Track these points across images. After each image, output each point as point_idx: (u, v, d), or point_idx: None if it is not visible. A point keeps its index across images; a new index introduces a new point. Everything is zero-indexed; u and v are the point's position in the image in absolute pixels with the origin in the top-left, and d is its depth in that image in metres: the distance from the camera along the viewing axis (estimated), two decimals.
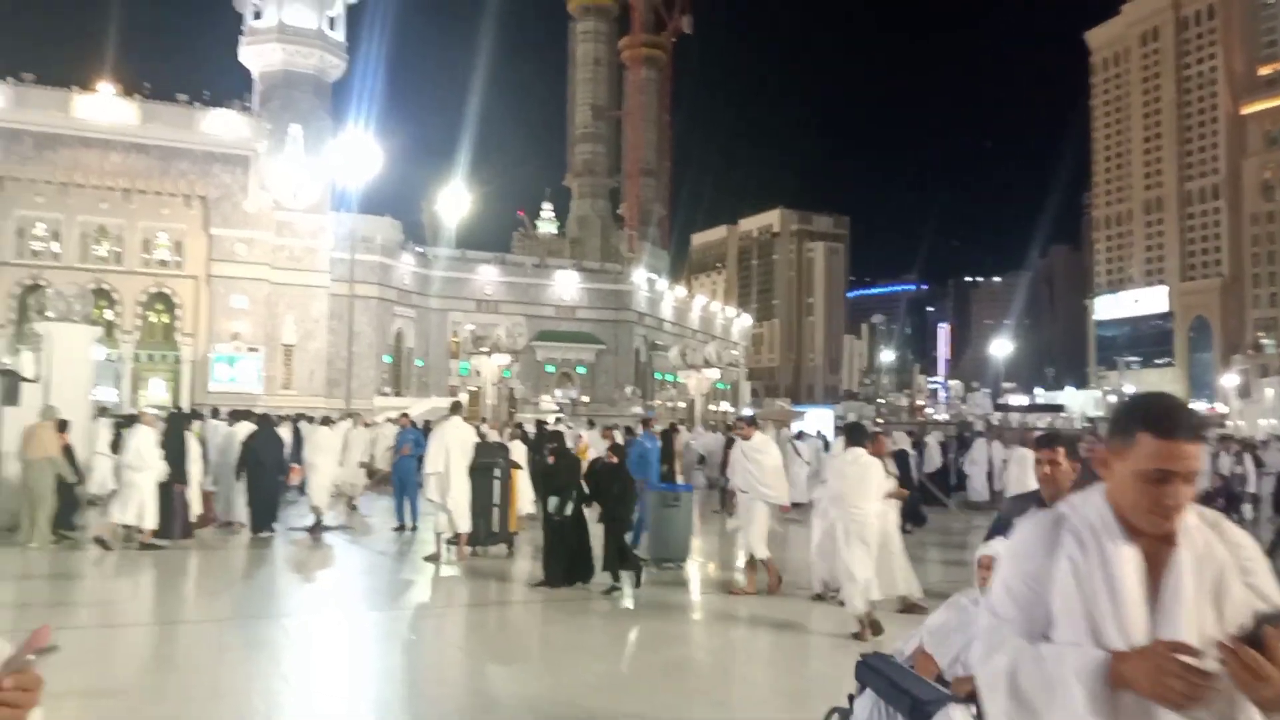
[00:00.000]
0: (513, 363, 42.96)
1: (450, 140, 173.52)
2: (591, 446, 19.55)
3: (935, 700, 3.38)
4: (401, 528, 14.92)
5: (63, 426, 13.12)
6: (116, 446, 14.22)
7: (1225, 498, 18.42)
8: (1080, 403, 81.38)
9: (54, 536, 12.60)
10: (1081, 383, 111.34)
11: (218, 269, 45.93)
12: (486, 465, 12.46)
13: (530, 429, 20.92)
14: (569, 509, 10.26)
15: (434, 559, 12.02)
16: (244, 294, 46.22)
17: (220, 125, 46.56)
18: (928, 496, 18.60)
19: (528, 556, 12.38)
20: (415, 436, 15.59)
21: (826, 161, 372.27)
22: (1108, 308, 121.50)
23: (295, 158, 48.02)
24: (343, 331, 46.85)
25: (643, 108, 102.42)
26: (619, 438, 13.40)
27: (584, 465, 12.02)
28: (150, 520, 12.47)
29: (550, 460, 10.99)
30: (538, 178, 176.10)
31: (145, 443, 12.67)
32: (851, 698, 3.94)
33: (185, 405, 34.66)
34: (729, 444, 15.83)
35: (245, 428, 14.74)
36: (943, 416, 58.72)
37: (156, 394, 45.05)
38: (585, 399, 59.67)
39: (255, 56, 49.46)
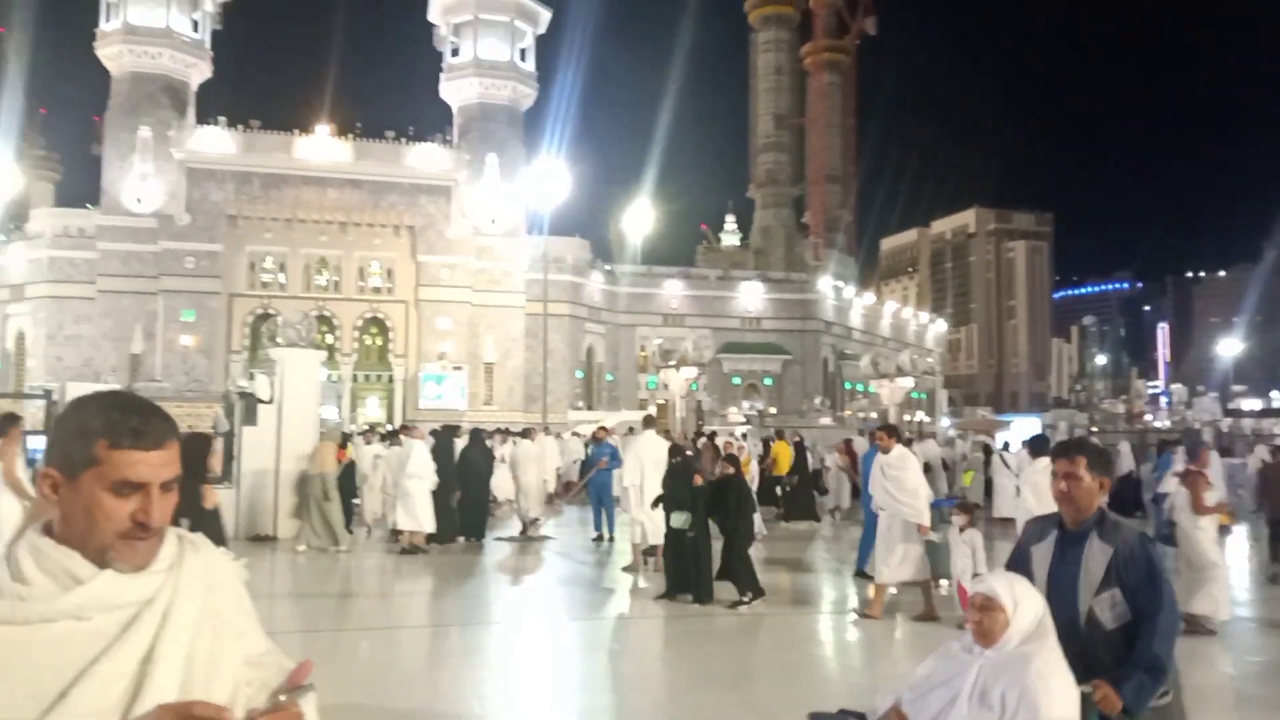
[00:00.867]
0: (699, 375, 43.14)
1: (634, 158, 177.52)
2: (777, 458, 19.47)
3: None
4: (600, 538, 15.34)
5: (344, 443, 14.64)
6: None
7: None
8: None
9: (332, 540, 13.82)
10: None
11: (424, 293, 48.93)
12: (739, 479, 12.50)
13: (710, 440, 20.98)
14: (688, 522, 10.13)
15: (632, 569, 12.28)
16: (448, 316, 48.98)
17: (424, 158, 49.67)
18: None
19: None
20: (611, 450, 16.00)
21: (1025, 156, 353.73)
22: None
23: (492, 185, 50.54)
24: (538, 349, 48.62)
25: (826, 113, 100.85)
26: (752, 447, 13.12)
27: (743, 479, 11.72)
28: (428, 525, 13.77)
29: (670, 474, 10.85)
30: (720, 191, 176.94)
31: (421, 454, 13.92)
32: None
33: (397, 422, 36.98)
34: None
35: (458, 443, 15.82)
36: (1164, 423, 54.36)
37: (372, 412, 48.44)
38: (773, 410, 59.13)
39: (454, 91, 52.44)
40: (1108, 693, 3.19)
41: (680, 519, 10.23)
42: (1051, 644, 3.06)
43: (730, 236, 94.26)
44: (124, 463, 1.51)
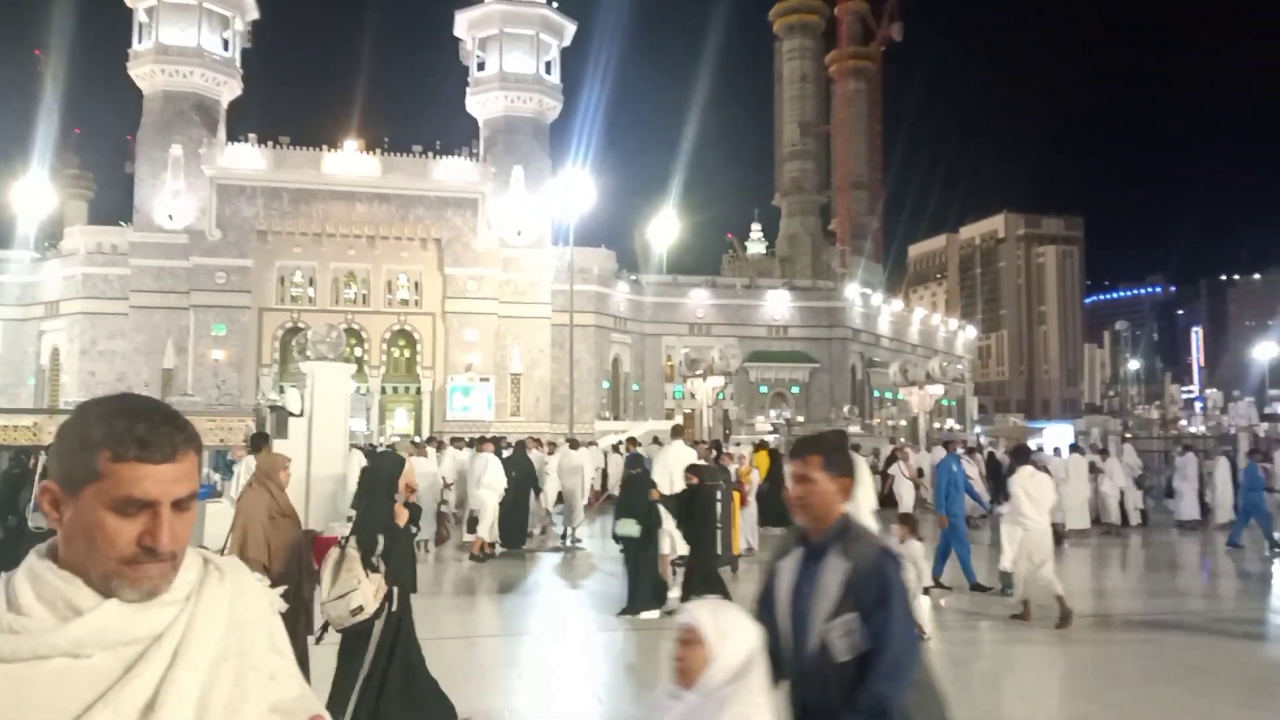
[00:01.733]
0: (726, 384, 43.11)
1: (659, 168, 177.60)
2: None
3: None
4: None
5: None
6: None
7: None
8: None
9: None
10: None
11: (451, 305, 49.22)
12: (710, 488, 12.55)
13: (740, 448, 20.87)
14: (635, 530, 10.15)
15: (661, 580, 12.22)
16: (475, 328, 49.24)
17: (451, 172, 50.03)
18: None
19: (752, 580, 12.34)
20: (642, 461, 16.06)
21: (1054, 160, 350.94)
22: None
23: (518, 197, 50.81)
24: (564, 360, 48.75)
25: (852, 120, 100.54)
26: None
27: (709, 489, 11.66)
28: (491, 534, 14.63)
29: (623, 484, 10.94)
30: (746, 199, 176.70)
31: (494, 467, 14.72)
32: None
33: (425, 433, 37.19)
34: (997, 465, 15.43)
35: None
36: (1199, 429, 53.48)
37: (401, 424, 48.76)
38: (800, 418, 58.87)
39: (480, 105, 52.82)
40: None
41: (626, 527, 10.22)
42: (754, 684, 2.46)
43: (756, 245, 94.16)
44: (128, 478, 1.31)
